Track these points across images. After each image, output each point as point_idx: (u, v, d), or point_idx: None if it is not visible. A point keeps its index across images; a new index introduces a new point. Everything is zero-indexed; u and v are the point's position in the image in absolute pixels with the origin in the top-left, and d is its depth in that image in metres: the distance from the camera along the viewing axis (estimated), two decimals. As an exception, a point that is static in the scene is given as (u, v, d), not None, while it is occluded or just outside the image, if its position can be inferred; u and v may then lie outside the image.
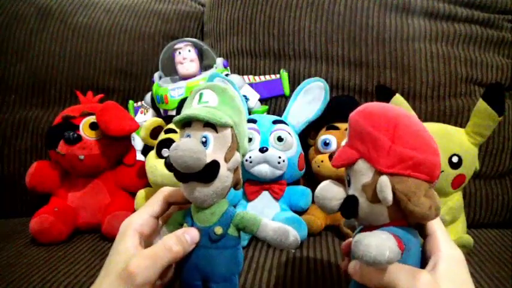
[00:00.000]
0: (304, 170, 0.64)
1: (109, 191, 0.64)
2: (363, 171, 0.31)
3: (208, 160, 0.32)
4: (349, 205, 0.32)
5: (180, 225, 0.35)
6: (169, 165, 0.33)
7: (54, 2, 0.83)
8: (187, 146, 0.30)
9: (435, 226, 0.32)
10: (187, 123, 0.33)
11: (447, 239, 0.32)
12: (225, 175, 0.33)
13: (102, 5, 0.84)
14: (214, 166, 0.32)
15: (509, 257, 0.54)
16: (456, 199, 0.54)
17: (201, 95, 0.35)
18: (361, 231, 0.33)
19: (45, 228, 0.57)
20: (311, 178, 0.65)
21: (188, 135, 0.33)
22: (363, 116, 0.31)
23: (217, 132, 0.33)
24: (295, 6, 0.73)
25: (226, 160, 0.33)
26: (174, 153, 0.30)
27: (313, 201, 0.62)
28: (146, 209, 0.36)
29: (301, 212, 0.60)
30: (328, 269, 0.48)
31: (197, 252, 0.34)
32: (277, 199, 0.59)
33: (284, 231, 0.34)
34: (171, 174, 0.53)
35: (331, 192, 0.33)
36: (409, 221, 0.31)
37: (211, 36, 0.81)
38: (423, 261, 0.32)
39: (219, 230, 0.33)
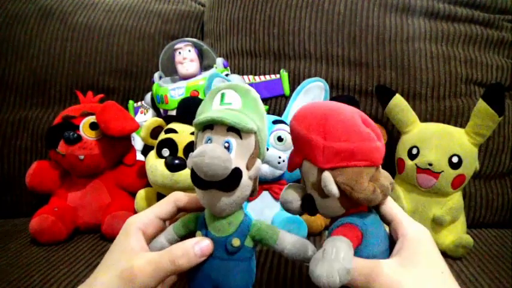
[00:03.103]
0: (304, 170, 0.64)
1: (109, 191, 0.64)
2: (309, 171, 0.32)
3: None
4: (307, 204, 0.34)
5: (190, 231, 0.34)
6: (192, 172, 0.30)
7: (54, 2, 0.83)
8: (215, 153, 0.28)
9: (394, 210, 0.33)
10: (208, 126, 0.31)
11: (408, 220, 0.32)
12: (246, 184, 0.31)
13: (102, 5, 0.84)
14: (237, 174, 0.30)
15: (509, 257, 0.54)
16: (456, 199, 0.54)
17: (222, 95, 0.32)
18: (330, 222, 0.35)
19: (45, 228, 0.57)
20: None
21: (209, 139, 0.31)
22: (296, 120, 0.33)
23: (241, 138, 0.30)
24: (295, 6, 0.73)
25: (248, 168, 0.31)
26: (200, 160, 0.28)
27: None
28: (153, 209, 0.35)
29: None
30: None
31: (211, 263, 0.32)
32: (277, 199, 0.59)
33: (303, 244, 0.32)
34: (171, 174, 0.53)
35: (290, 195, 0.35)
36: (363, 207, 0.33)
37: (211, 36, 0.81)
38: (392, 246, 0.32)
39: (236, 242, 0.32)
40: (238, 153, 0.31)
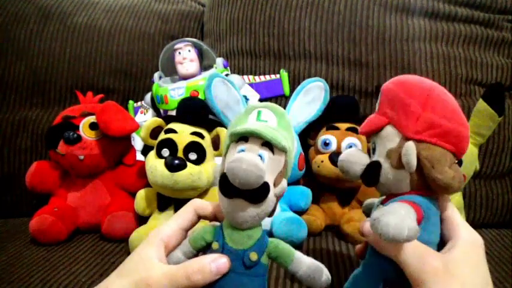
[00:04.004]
0: (304, 170, 0.64)
1: (109, 191, 0.64)
2: (390, 137, 0.32)
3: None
4: (372, 170, 0.32)
5: (207, 244, 0.33)
6: (222, 178, 0.30)
7: (54, 2, 0.83)
8: (252, 161, 0.28)
9: (450, 210, 0.32)
10: (243, 138, 0.32)
11: (465, 224, 0.32)
12: (271, 200, 0.31)
13: (102, 5, 0.84)
14: (266, 188, 0.30)
15: (509, 257, 0.54)
16: (456, 199, 0.54)
17: (259, 112, 0.33)
18: (382, 202, 0.34)
19: (45, 228, 0.57)
20: (311, 178, 0.65)
21: (242, 150, 0.31)
22: (397, 84, 0.32)
23: (273, 154, 0.31)
24: (295, 6, 0.73)
25: (275, 185, 0.31)
26: (238, 166, 0.28)
27: (313, 202, 0.62)
28: (176, 221, 0.34)
29: (301, 212, 0.60)
30: (328, 269, 0.48)
31: (225, 276, 0.31)
32: (277, 199, 0.59)
33: (318, 268, 0.32)
34: (170, 174, 0.53)
35: (355, 156, 0.34)
36: (430, 192, 0.31)
37: (211, 36, 0.81)
38: (441, 244, 0.31)
39: (254, 256, 0.31)
40: (269, 168, 0.31)
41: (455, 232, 0.31)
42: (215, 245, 0.32)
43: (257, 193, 0.30)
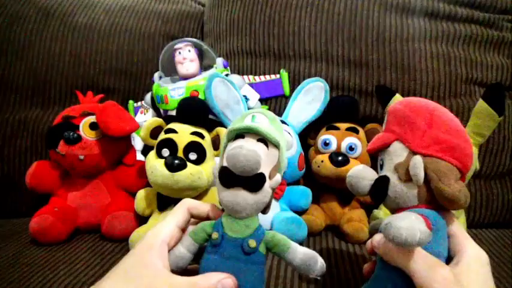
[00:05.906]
0: (304, 170, 0.64)
1: (109, 191, 0.64)
2: (398, 152, 0.33)
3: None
4: (381, 183, 0.33)
5: (208, 235, 0.34)
6: (222, 169, 0.32)
7: (54, 2, 0.83)
8: (253, 147, 0.31)
9: (456, 226, 0.33)
10: (240, 135, 0.34)
11: (470, 240, 0.32)
12: (267, 190, 0.33)
13: (102, 5, 0.84)
14: (262, 177, 0.32)
15: (509, 257, 0.54)
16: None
17: (253, 116, 0.36)
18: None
19: (45, 228, 0.57)
20: (311, 178, 0.65)
21: None
22: (403, 104, 0.34)
23: (268, 149, 0.33)
24: (295, 6, 0.73)
25: (270, 177, 0.33)
26: (238, 151, 0.31)
27: (313, 202, 0.62)
28: (173, 220, 0.34)
29: (301, 212, 0.60)
30: (328, 269, 0.48)
31: (225, 263, 0.33)
32: (277, 199, 0.59)
33: (313, 256, 0.33)
34: (171, 174, 0.53)
35: (363, 172, 0.35)
36: (437, 207, 0.32)
37: (211, 36, 0.81)
38: (448, 260, 0.32)
39: (252, 243, 0.33)
40: (264, 161, 0.33)
41: (462, 247, 0.31)
42: (215, 235, 0.33)
43: (254, 181, 0.32)
